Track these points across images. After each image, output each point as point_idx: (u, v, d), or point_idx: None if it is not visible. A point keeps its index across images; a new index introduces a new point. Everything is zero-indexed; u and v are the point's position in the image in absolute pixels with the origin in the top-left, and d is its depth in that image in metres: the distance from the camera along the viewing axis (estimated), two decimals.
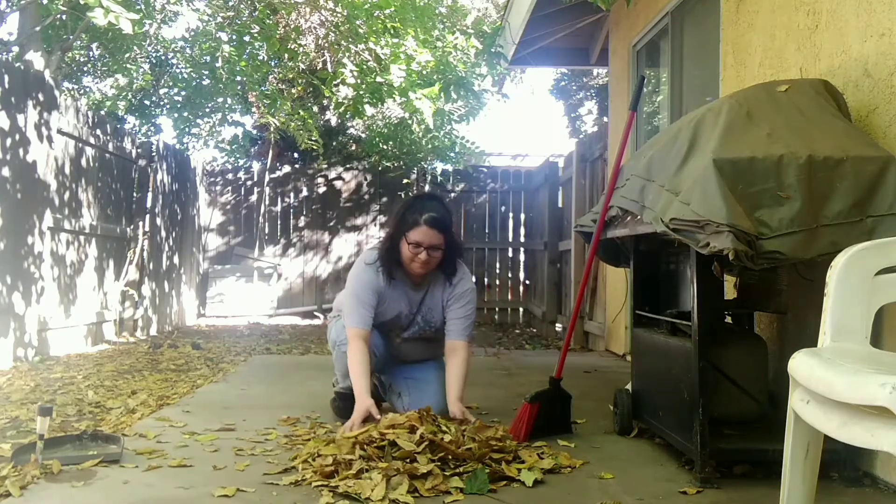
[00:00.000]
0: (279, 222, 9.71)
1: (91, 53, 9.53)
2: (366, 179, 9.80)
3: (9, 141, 4.80)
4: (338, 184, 9.81)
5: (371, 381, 3.12)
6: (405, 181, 9.73)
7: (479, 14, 11.76)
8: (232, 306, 9.10)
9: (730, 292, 2.96)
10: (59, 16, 6.89)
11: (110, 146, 6.42)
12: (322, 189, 9.76)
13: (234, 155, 10.16)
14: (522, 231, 9.69)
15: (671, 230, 2.22)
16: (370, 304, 3.02)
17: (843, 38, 2.59)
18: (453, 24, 9.17)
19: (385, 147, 10.00)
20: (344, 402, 3.16)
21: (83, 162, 5.97)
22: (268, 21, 7.57)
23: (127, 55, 8.99)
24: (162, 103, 9.74)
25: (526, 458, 2.43)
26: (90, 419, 3.25)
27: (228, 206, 9.72)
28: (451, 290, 3.11)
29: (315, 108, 10.23)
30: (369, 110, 8.93)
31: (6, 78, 4.79)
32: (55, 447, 2.49)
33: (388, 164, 10.00)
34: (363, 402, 2.77)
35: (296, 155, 11.13)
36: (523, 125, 32.34)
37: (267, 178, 9.72)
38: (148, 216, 7.08)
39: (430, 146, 9.69)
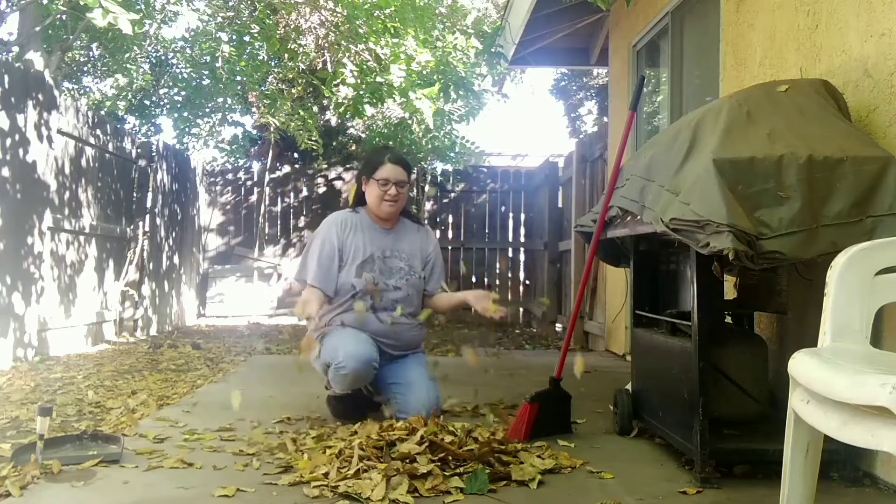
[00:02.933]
0: (279, 222, 9.71)
1: (91, 53, 9.53)
2: None
3: (9, 141, 4.79)
4: (338, 184, 9.80)
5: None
6: None
7: (479, 14, 11.76)
8: (232, 306, 9.09)
9: (730, 292, 2.96)
10: (59, 16, 6.89)
11: (110, 146, 6.42)
12: (322, 189, 9.76)
13: (234, 155, 10.16)
14: (522, 231, 9.68)
15: (671, 230, 2.22)
16: (331, 259, 3.10)
17: (843, 38, 2.59)
18: (453, 24, 9.17)
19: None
20: (340, 403, 3.16)
21: (83, 162, 5.97)
22: (268, 21, 7.57)
23: (127, 55, 8.98)
24: (162, 103, 9.73)
25: (526, 458, 2.43)
26: (90, 419, 3.25)
27: (228, 206, 9.71)
28: (420, 238, 3.27)
29: (315, 108, 10.23)
30: (369, 110, 8.93)
31: (6, 78, 4.79)
32: (55, 447, 2.49)
33: None
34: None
35: (296, 155, 11.12)
36: (523, 125, 32.35)
37: (267, 178, 9.72)
38: (148, 216, 7.08)
39: (430, 146, 9.69)
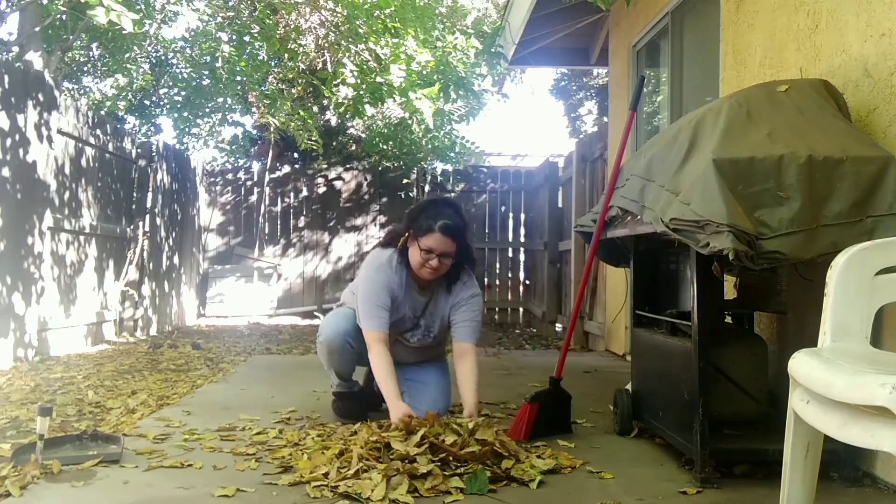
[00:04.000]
0: (279, 222, 9.71)
1: (91, 53, 9.53)
2: (366, 179, 9.80)
3: (9, 141, 4.80)
4: (338, 184, 9.80)
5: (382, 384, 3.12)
6: (405, 181, 9.73)
7: (479, 14, 11.76)
8: (232, 306, 9.10)
9: (730, 292, 2.96)
10: (59, 16, 6.89)
11: (110, 146, 6.42)
12: (322, 189, 9.76)
13: (234, 155, 10.17)
14: (522, 231, 9.68)
15: (671, 230, 2.22)
16: (386, 305, 2.93)
17: (843, 38, 2.59)
18: (453, 24, 9.17)
19: (385, 147, 10.00)
20: (343, 402, 3.16)
21: (83, 162, 5.97)
22: (268, 21, 7.57)
23: (127, 55, 8.99)
24: (162, 103, 9.74)
25: (526, 458, 2.43)
26: (90, 419, 3.25)
27: (228, 206, 9.72)
28: (454, 297, 3.05)
29: (315, 108, 10.23)
30: (369, 110, 8.94)
31: (6, 78, 4.79)
32: (55, 447, 2.49)
33: (388, 164, 10.00)
34: (398, 408, 2.69)
35: (296, 155, 11.13)
36: (523, 125, 32.34)
37: (267, 178, 9.72)
38: (148, 216, 7.08)
39: (430, 146, 9.69)
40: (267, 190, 9.69)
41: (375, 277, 2.97)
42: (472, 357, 2.98)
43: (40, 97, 5.17)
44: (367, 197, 9.75)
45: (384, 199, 9.74)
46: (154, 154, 7.27)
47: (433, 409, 2.87)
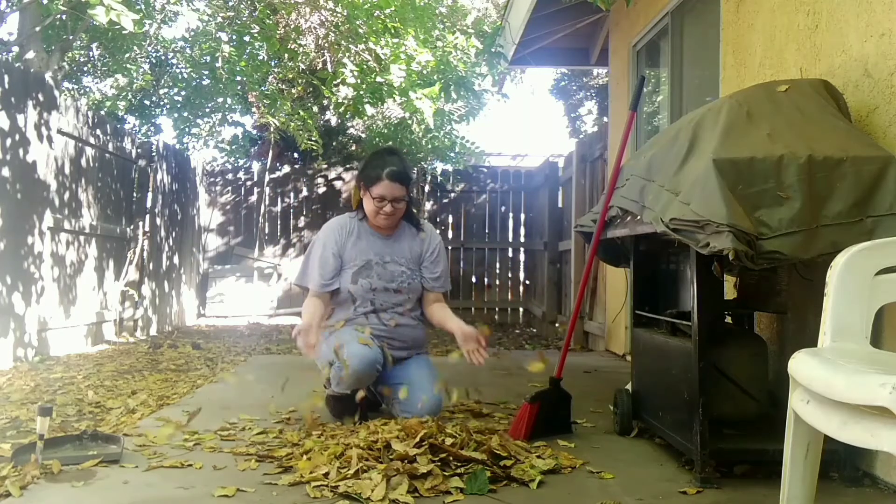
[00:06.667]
0: (279, 222, 9.72)
1: (91, 53, 9.53)
2: None
3: (9, 141, 4.79)
4: (338, 184, 9.80)
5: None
6: None
7: (479, 14, 11.76)
8: (232, 306, 9.09)
9: (730, 292, 2.96)
10: (59, 16, 6.89)
11: (110, 146, 6.42)
12: (322, 189, 9.76)
13: (234, 155, 10.17)
14: (522, 231, 9.69)
15: (671, 230, 2.22)
16: (331, 267, 3.11)
17: (843, 38, 2.59)
18: (453, 24, 9.17)
19: None
20: (339, 403, 3.15)
21: (83, 162, 5.97)
22: (268, 21, 7.57)
23: (127, 55, 8.99)
24: (162, 103, 9.74)
25: (526, 458, 2.43)
26: (90, 419, 3.25)
27: (228, 206, 9.72)
28: (420, 242, 3.24)
29: (315, 108, 10.23)
30: (369, 110, 8.95)
31: (6, 78, 4.79)
32: (55, 447, 2.49)
33: None
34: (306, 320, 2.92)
35: (296, 155, 11.13)
36: (523, 125, 32.35)
37: (267, 178, 9.73)
38: (148, 216, 7.08)
39: (430, 146, 9.69)
40: (267, 190, 9.69)
41: (322, 235, 3.21)
42: (444, 303, 3.24)
43: (40, 97, 5.17)
44: None
45: None
46: (154, 154, 7.27)
47: (428, 412, 2.87)
